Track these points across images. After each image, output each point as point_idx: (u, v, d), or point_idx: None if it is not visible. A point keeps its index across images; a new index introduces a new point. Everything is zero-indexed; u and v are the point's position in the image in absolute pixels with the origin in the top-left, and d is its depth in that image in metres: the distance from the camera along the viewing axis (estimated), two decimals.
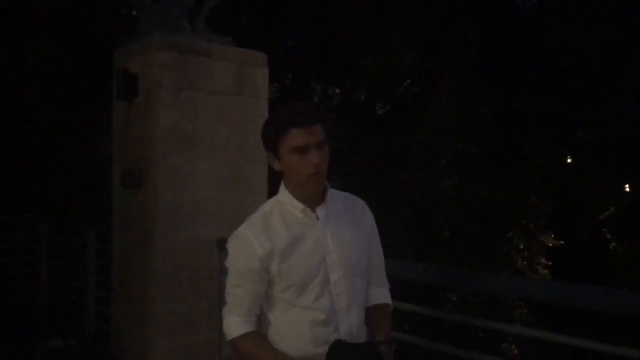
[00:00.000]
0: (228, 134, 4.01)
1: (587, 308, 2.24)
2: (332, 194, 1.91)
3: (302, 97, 11.09)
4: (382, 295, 1.99)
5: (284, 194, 1.88)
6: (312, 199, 1.85)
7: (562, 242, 9.55)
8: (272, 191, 2.02)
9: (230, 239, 1.90)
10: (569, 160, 9.86)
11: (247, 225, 1.87)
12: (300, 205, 1.84)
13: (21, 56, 8.98)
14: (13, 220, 6.60)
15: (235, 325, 1.87)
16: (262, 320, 1.91)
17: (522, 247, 8.83)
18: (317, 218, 1.85)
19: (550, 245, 9.51)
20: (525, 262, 8.84)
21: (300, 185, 1.83)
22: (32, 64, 9.05)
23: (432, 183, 8.09)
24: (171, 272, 3.75)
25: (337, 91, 13.02)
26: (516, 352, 7.93)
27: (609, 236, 10.81)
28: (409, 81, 10.98)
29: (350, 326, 1.84)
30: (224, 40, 4.19)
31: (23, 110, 8.31)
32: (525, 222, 8.84)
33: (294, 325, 1.83)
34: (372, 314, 1.92)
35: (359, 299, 1.89)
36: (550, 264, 9.36)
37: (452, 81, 8.28)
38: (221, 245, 3.80)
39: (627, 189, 10.35)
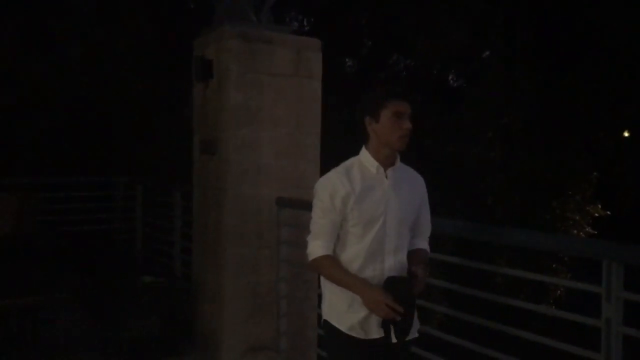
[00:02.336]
0: (286, 109, 4.53)
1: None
2: (401, 165, 2.36)
3: (379, 69, 11.38)
4: (423, 244, 2.47)
5: (364, 154, 2.32)
6: (385, 162, 2.29)
7: (609, 212, 9.55)
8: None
9: (319, 182, 2.36)
10: (626, 134, 9.75)
11: (333, 172, 2.32)
12: (375, 163, 2.28)
13: (119, 35, 9.89)
14: (114, 182, 7.38)
15: (318, 247, 2.29)
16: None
17: (568, 215, 8.94)
18: (386, 177, 2.29)
19: (596, 215, 9.54)
20: (570, 231, 8.98)
21: (389, 143, 2.24)
22: (128, 43, 9.96)
23: (477, 154, 8.38)
24: (239, 224, 4.37)
25: (411, 63, 13.25)
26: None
27: None
28: (487, 52, 10.99)
29: (394, 262, 2.28)
30: (283, 28, 4.72)
31: (120, 85, 9.24)
32: (571, 192, 8.94)
33: (354, 255, 2.27)
34: (414, 253, 2.39)
35: (404, 243, 2.33)
36: (596, 232, 9.42)
37: (500, 57, 8.42)
38: (279, 203, 4.40)
39: None
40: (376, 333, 2.26)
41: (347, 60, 13.39)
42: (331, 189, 2.26)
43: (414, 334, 2.34)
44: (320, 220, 2.30)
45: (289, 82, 4.55)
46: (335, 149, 4.37)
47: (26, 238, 5.04)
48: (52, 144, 8.14)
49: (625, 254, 2.18)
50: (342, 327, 2.29)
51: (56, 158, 8.00)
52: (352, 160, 2.34)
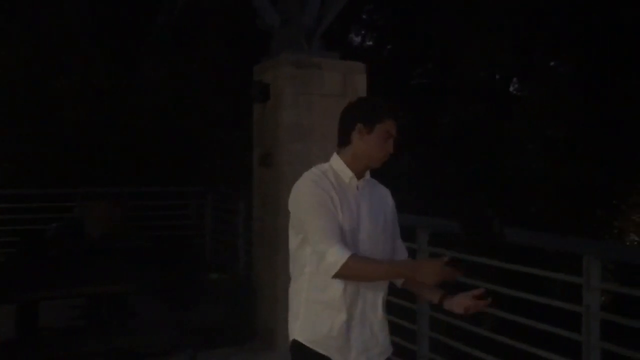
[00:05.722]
0: (334, 126, 4.91)
1: None
2: (370, 178, 2.19)
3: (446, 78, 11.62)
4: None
5: (337, 162, 2.12)
6: (358, 173, 2.11)
7: None
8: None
9: (300, 184, 2.07)
10: None
11: (310, 173, 2.09)
12: (350, 173, 2.09)
13: (197, 59, 10.75)
14: (189, 191, 7.95)
15: (340, 251, 1.92)
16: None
17: (614, 224, 8.89)
18: (357, 188, 2.11)
19: None
20: (615, 239, 8.89)
21: (370, 158, 2.08)
22: (203, 66, 10.80)
23: (521, 165, 8.52)
24: None
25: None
26: None
27: None
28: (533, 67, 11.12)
29: None
30: (332, 54, 5.14)
31: (194, 104, 10.04)
32: (615, 202, 8.90)
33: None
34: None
35: (381, 253, 2.10)
36: None
37: (545, 71, 8.56)
38: None
39: None
40: None
41: (411, 73, 13.71)
42: (319, 182, 2.03)
43: (381, 358, 2.16)
44: (323, 221, 1.98)
45: (337, 102, 4.94)
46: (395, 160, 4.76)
47: (115, 239, 5.79)
48: (134, 157, 9.01)
49: (601, 250, 2.52)
50: (319, 349, 2.06)
51: (138, 169, 8.86)
52: (325, 167, 2.14)
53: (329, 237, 1.95)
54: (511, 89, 12.80)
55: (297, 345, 2.10)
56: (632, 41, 9.08)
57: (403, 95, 10.62)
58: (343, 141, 2.14)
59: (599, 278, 2.45)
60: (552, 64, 10.61)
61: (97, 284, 4.34)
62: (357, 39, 15.02)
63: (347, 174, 2.09)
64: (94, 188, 7.47)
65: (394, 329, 2.57)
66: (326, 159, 5.33)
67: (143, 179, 8.49)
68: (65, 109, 8.82)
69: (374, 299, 2.11)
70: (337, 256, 1.92)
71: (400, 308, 3.64)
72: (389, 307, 2.45)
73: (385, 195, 2.24)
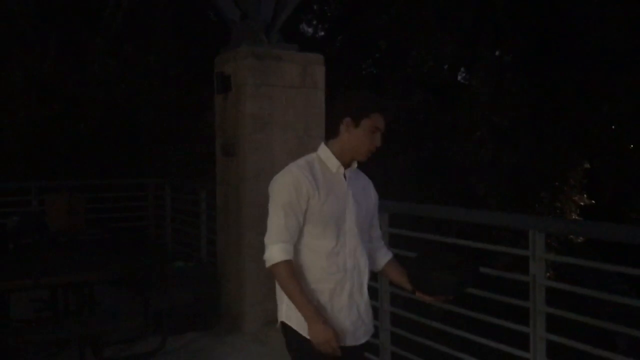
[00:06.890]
0: (295, 116, 5.02)
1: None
2: (355, 167, 2.26)
3: (395, 67, 11.96)
4: (387, 250, 2.41)
5: (325, 152, 2.17)
6: (344, 164, 2.18)
7: (593, 202, 10.15)
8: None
9: (279, 176, 2.14)
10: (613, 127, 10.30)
11: (295, 166, 2.13)
12: (337, 163, 2.15)
13: (149, 49, 10.66)
14: (146, 183, 7.96)
15: (279, 251, 2.07)
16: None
17: (557, 205, 9.52)
18: (345, 178, 2.19)
19: (582, 204, 10.12)
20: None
21: (355, 152, 2.14)
22: (158, 56, 10.72)
23: (469, 152, 9.01)
24: (256, 215, 4.77)
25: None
26: None
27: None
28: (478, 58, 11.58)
29: (354, 263, 2.18)
30: (291, 46, 5.27)
31: (149, 95, 9.98)
32: (558, 183, 9.54)
33: (315, 255, 2.14)
34: (396, 267, 2.37)
35: (362, 245, 2.22)
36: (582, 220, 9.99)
37: (489, 62, 9.03)
38: None
39: None
40: (341, 341, 2.12)
41: (362, 63, 13.96)
42: (296, 182, 2.09)
43: (366, 337, 2.27)
44: (282, 219, 2.08)
45: (297, 92, 5.15)
46: None
47: (76, 232, 5.79)
48: (91, 150, 8.92)
49: (544, 225, 2.81)
50: (304, 332, 2.12)
51: (95, 162, 8.77)
52: (312, 157, 2.21)
53: (277, 234, 2.09)
54: (459, 78, 13.31)
55: (285, 328, 2.21)
56: (572, 31, 9.63)
57: (354, 85, 10.88)
58: (331, 133, 2.20)
59: (544, 249, 2.74)
60: (497, 53, 11.12)
61: (62, 275, 4.37)
62: (309, 30, 15.21)
63: (334, 163, 2.17)
64: (50, 181, 7.39)
65: None
66: (288, 147, 5.45)
67: (100, 172, 8.44)
68: (17, 102, 8.62)
69: (360, 282, 2.23)
70: (274, 254, 2.08)
71: None
72: None
73: (368, 186, 2.34)
